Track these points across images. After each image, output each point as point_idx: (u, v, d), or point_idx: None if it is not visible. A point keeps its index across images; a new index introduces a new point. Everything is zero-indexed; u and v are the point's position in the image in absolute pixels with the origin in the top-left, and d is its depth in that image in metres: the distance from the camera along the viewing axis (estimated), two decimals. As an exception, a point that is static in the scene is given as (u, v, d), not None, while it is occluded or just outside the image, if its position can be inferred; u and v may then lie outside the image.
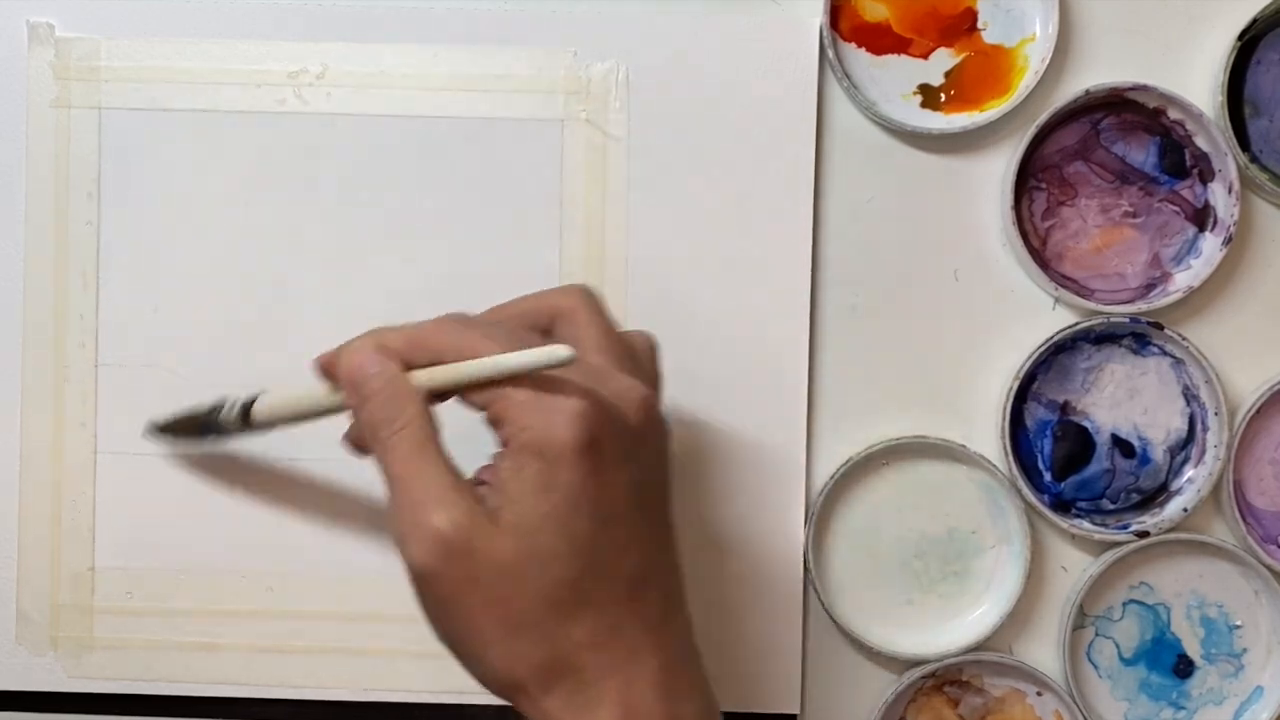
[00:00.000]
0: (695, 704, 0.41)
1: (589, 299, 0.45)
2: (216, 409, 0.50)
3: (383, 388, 0.41)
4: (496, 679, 0.41)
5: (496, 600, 0.39)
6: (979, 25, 0.54)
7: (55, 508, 0.54)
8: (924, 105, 0.54)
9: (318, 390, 0.45)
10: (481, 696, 0.54)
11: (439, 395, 0.42)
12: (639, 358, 0.45)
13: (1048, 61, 0.53)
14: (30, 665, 0.55)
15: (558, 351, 0.39)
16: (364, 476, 0.54)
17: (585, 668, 0.40)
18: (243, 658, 0.55)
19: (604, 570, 0.40)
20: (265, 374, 0.54)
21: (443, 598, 0.40)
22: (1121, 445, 0.55)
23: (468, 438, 0.43)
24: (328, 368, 0.44)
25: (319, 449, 0.54)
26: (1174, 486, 0.55)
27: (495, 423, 0.41)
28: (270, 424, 0.48)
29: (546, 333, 0.44)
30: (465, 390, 0.41)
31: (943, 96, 0.54)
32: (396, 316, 0.54)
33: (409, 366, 0.42)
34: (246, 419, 0.48)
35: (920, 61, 0.54)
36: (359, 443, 0.46)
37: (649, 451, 0.42)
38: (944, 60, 0.54)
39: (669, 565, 0.43)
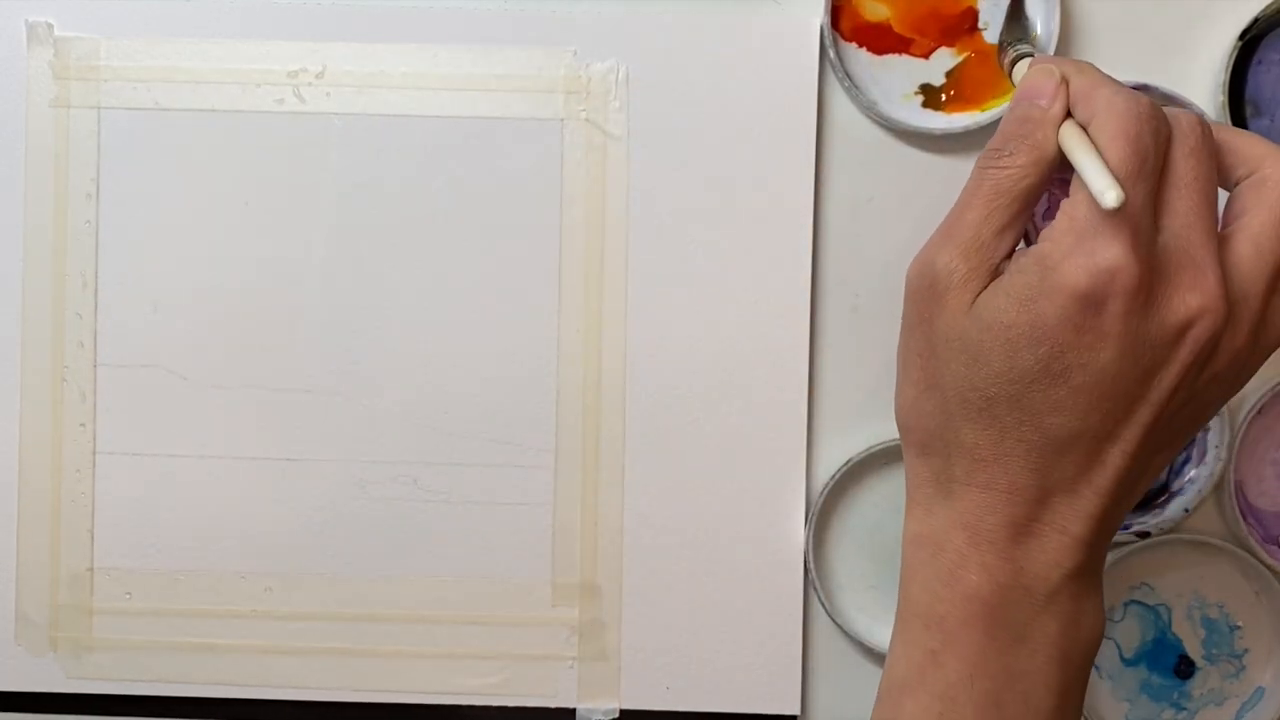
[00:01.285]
0: (1040, 559, 0.40)
1: None
2: None
3: (1035, 122, 0.40)
4: (897, 410, 0.42)
5: (927, 356, 0.40)
6: (980, 25, 0.54)
7: (55, 508, 0.54)
8: (925, 105, 0.54)
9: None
10: (481, 697, 0.55)
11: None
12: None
13: (1048, 61, 0.53)
14: (30, 666, 0.55)
15: (1106, 196, 0.36)
16: (364, 475, 0.54)
17: (955, 464, 0.40)
18: (242, 658, 0.55)
19: (1030, 405, 0.39)
20: (266, 373, 0.54)
21: (907, 319, 0.41)
22: (1122, 445, 0.55)
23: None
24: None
25: (318, 448, 0.54)
26: (1174, 486, 0.55)
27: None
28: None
29: (1221, 177, 0.41)
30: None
31: (944, 96, 0.54)
32: (394, 317, 0.54)
33: (1068, 112, 0.40)
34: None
35: (921, 61, 0.54)
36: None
37: (1152, 357, 0.38)
38: (945, 60, 0.54)
39: (1096, 458, 0.39)
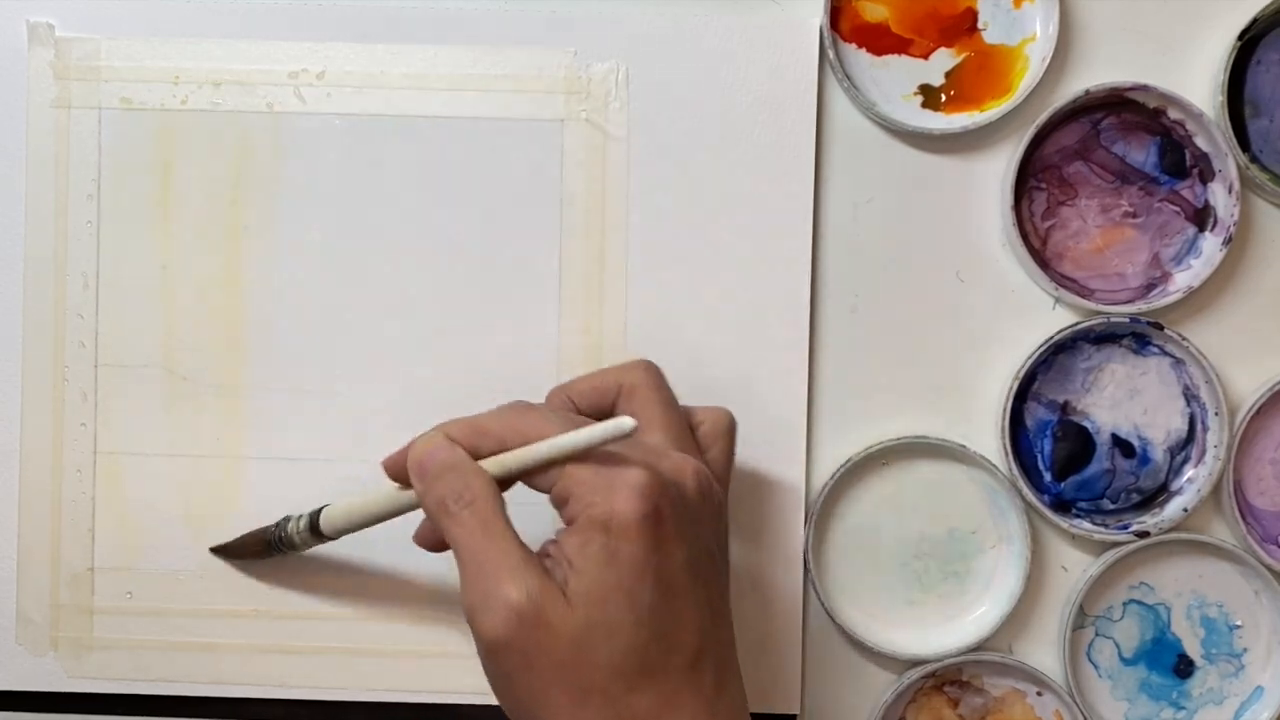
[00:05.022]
0: None
1: (651, 375, 0.47)
2: (282, 525, 0.51)
3: (451, 468, 0.43)
4: None
5: (566, 669, 0.41)
6: (979, 25, 0.54)
7: (55, 508, 0.54)
8: (924, 105, 0.55)
9: (384, 490, 0.46)
10: (481, 696, 0.55)
11: (504, 481, 0.43)
12: (703, 432, 0.47)
13: (1048, 61, 0.53)
14: (30, 665, 0.55)
15: (622, 424, 0.41)
16: (361, 475, 0.54)
17: None
18: (242, 658, 0.55)
19: (666, 641, 0.41)
20: (264, 373, 0.54)
21: (513, 667, 0.41)
22: (1121, 445, 0.55)
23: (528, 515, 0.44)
24: (394, 466, 0.46)
25: (317, 448, 0.54)
26: (1174, 486, 0.55)
27: (560, 501, 0.42)
28: (339, 532, 0.49)
29: (607, 410, 0.47)
30: (531, 473, 0.42)
31: (943, 97, 0.54)
32: (395, 317, 0.54)
33: (475, 455, 0.43)
34: (315, 530, 0.50)
35: (920, 62, 0.54)
36: (428, 539, 0.48)
37: (706, 524, 0.43)
38: (944, 60, 0.54)
39: (724, 638, 0.44)
